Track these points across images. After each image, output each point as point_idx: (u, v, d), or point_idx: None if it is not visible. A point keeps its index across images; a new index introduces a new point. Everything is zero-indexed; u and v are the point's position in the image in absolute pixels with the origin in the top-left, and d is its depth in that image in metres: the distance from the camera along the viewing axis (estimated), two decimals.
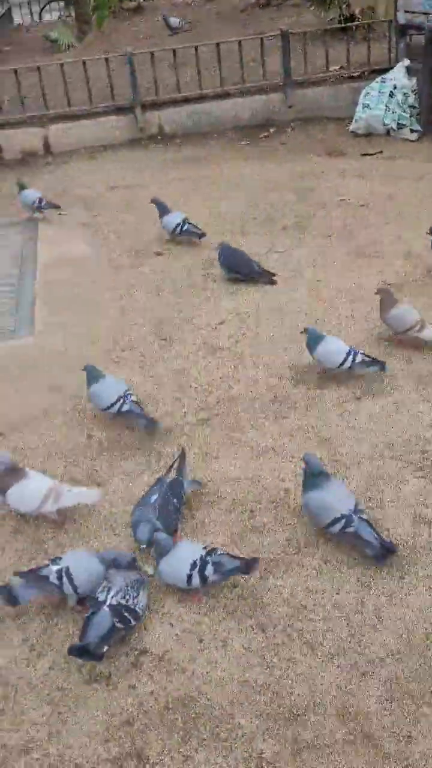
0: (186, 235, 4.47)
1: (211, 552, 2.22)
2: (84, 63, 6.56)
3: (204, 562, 2.18)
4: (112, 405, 2.90)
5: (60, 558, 2.26)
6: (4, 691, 2.05)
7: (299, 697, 1.95)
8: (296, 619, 2.16)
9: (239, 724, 1.90)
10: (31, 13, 13.50)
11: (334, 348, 3.09)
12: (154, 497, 2.43)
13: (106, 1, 9.37)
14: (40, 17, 13.21)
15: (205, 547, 2.24)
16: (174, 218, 4.45)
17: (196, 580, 2.18)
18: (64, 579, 2.18)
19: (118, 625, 2.07)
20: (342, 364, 3.06)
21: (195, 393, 3.20)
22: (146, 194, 5.29)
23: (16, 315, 3.88)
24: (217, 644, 2.11)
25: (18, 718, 1.97)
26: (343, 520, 2.29)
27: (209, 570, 2.18)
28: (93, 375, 2.97)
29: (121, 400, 2.90)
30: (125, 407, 2.90)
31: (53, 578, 2.19)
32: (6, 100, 6.84)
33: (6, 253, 4.53)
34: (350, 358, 3.04)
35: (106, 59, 6.61)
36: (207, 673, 2.04)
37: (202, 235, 4.45)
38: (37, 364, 3.48)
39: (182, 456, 2.66)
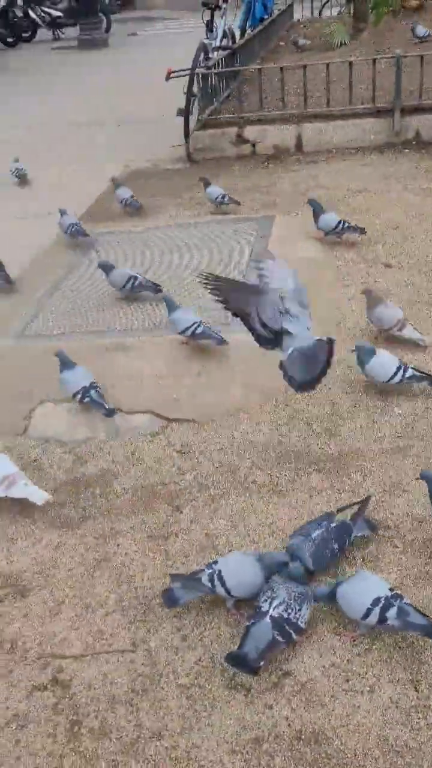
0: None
1: (398, 596, 2.10)
2: (350, 64, 6.51)
3: (389, 603, 2.06)
4: (77, 393, 3.21)
5: (216, 561, 2.29)
6: (151, 672, 2.13)
7: None
8: None
9: None
10: (312, 9, 13.70)
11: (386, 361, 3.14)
12: (316, 533, 2.35)
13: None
14: (320, 13, 13.35)
15: (391, 588, 2.13)
16: (331, 217, 4.56)
17: (374, 618, 2.07)
18: (216, 581, 2.21)
19: (278, 638, 2.06)
20: (392, 377, 3.10)
21: None
22: (386, 201, 5.14)
23: None
24: (363, 688, 2.02)
25: (158, 703, 2.05)
26: None
27: (392, 613, 2.05)
28: (64, 362, 3.27)
29: (84, 391, 3.19)
30: (86, 399, 3.19)
31: (205, 580, 2.23)
32: (267, 96, 7.01)
33: (236, 250, 4.66)
34: (401, 372, 3.09)
35: (374, 60, 6.50)
36: (347, 715, 1.96)
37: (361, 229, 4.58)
38: (241, 361, 3.54)
39: (364, 503, 2.51)
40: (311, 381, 2.41)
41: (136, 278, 4.00)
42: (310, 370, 2.40)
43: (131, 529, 2.65)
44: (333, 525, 2.40)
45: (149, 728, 1.99)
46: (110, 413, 3.21)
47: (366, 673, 2.06)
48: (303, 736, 1.92)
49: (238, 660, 2.05)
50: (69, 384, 3.25)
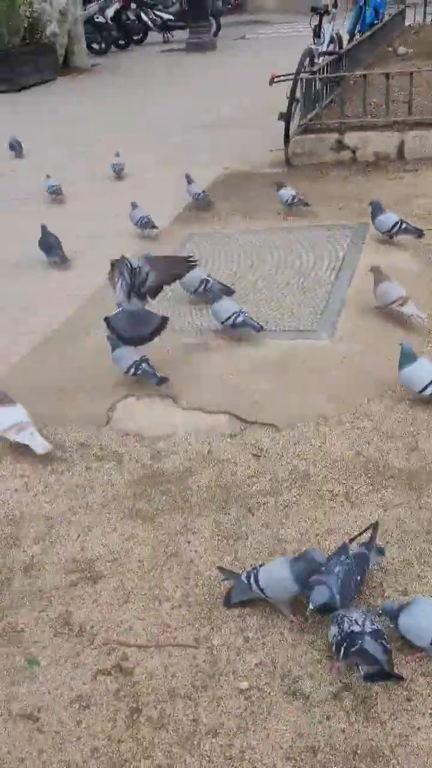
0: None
1: None
2: None
3: None
4: (130, 367, 3.44)
5: (263, 564, 2.35)
6: (212, 670, 2.16)
7: None
8: None
9: None
10: (424, 14, 13.42)
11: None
12: (338, 569, 2.23)
13: None
14: None
15: None
16: (388, 218, 4.59)
17: None
18: (252, 580, 2.26)
19: (388, 646, 2.04)
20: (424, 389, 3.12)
21: None
22: None
23: (321, 317, 3.95)
24: (426, 710, 1.98)
25: (216, 701, 2.07)
26: None
27: None
28: (114, 343, 3.52)
29: (136, 364, 3.42)
30: (139, 371, 3.43)
31: (244, 577, 2.28)
32: (372, 102, 6.92)
33: (327, 256, 4.64)
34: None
35: None
36: (406, 735, 1.92)
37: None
38: (323, 368, 3.53)
39: (374, 528, 2.44)
40: (133, 339, 3.51)
41: (207, 281, 4.06)
42: (135, 329, 3.50)
43: (203, 527, 2.69)
44: (352, 558, 2.30)
45: (206, 724, 2.01)
46: (161, 382, 3.40)
47: (429, 695, 2.01)
48: (359, 752, 1.90)
49: (381, 675, 2.01)
50: (122, 359, 3.49)
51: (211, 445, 3.13)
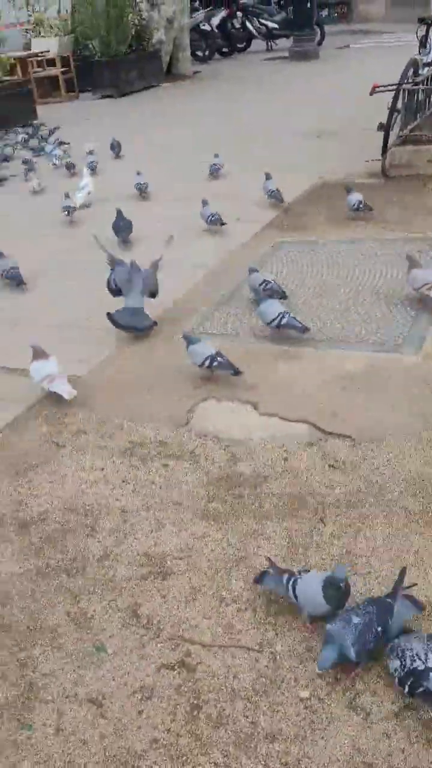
0: None
1: None
2: None
3: None
4: (205, 360, 3.56)
5: (308, 571, 2.36)
6: (273, 675, 2.17)
7: None
8: None
9: None
10: None
11: None
12: (357, 620, 2.10)
13: None
14: None
15: None
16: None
17: None
18: (290, 586, 2.28)
19: None
20: None
21: None
22: None
23: (408, 332, 3.89)
24: None
25: (276, 706, 2.08)
26: None
27: None
28: (189, 339, 3.65)
29: (211, 358, 3.53)
30: (215, 364, 3.55)
31: (285, 580, 2.30)
32: None
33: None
34: None
35: None
36: None
37: None
38: (407, 384, 3.47)
39: (401, 577, 2.26)
40: (128, 327, 4.20)
41: (268, 282, 4.23)
42: (132, 321, 4.18)
43: (274, 533, 2.70)
44: (374, 606, 2.16)
45: (264, 728, 2.02)
46: (236, 373, 3.52)
47: None
48: None
49: None
50: (197, 354, 3.60)
51: (287, 452, 3.14)
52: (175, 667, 2.24)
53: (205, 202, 5.74)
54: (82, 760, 2.00)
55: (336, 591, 2.19)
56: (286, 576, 2.33)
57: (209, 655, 2.26)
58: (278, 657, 2.22)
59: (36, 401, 3.70)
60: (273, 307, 3.86)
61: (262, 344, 3.93)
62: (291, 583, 2.30)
